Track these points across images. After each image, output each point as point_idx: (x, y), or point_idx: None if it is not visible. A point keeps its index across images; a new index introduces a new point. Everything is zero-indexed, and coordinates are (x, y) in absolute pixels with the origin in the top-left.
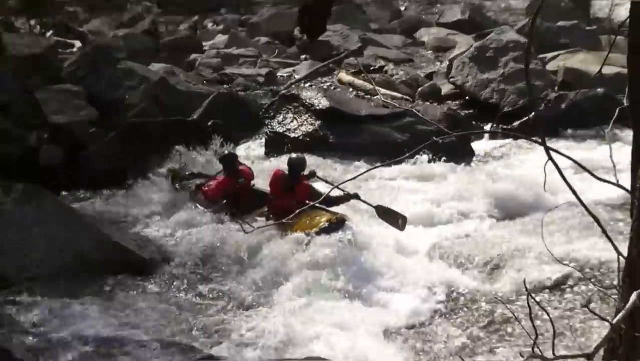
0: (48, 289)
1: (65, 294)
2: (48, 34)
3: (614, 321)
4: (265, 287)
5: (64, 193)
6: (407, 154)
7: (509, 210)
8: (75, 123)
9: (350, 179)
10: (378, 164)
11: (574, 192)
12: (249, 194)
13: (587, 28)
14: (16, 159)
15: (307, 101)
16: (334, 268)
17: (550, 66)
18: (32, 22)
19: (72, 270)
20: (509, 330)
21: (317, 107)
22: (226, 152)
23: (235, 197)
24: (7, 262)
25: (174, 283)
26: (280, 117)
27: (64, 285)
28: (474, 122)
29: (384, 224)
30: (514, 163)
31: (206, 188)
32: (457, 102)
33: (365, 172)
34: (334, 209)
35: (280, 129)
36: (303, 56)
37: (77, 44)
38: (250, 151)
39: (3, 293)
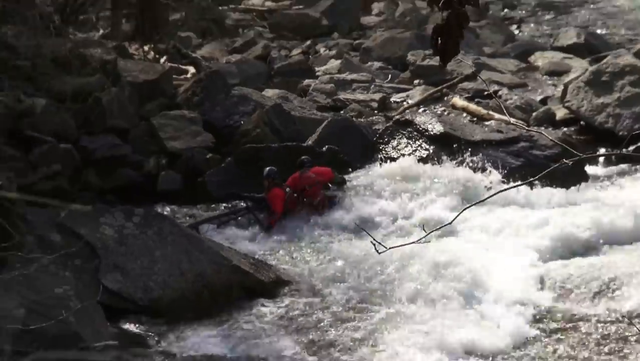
0: (171, 310)
1: (187, 315)
2: (162, 60)
3: None
4: (395, 308)
5: (182, 217)
6: (530, 179)
7: (619, 236)
8: (192, 149)
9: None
10: (498, 189)
11: None
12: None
13: None
14: (136, 185)
15: (421, 125)
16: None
17: None
18: (146, 47)
19: (194, 292)
20: (621, 352)
21: (432, 132)
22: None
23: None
24: (131, 284)
25: (293, 305)
26: (395, 143)
27: (186, 307)
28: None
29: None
30: (628, 188)
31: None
32: (572, 127)
33: (483, 200)
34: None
35: (394, 155)
36: (416, 81)
37: (191, 69)
38: (364, 178)
39: (130, 314)
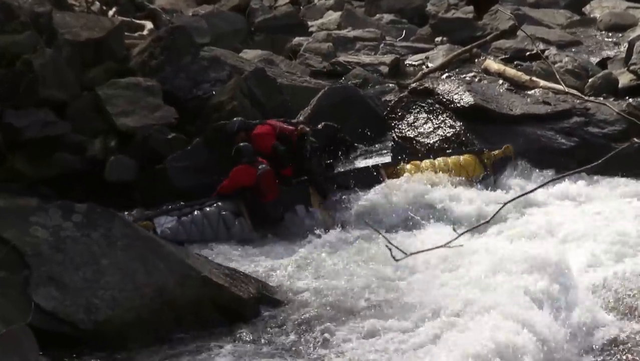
0: (122, 336)
1: (143, 342)
2: (111, 12)
3: None
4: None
5: (137, 215)
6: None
7: None
8: (149, 127)
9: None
10: (546, 178)
11: None
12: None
13: None
14: (76, 173)
15: (445, 96)
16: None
17: None
18: None
19: (152, 311)
20: None
21: (459, 105)
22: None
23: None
24: (71, 302)
25: (279, 329)
26: (411, 118)
27: (142, 331)
28: None
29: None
30: None
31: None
32: (639, 97)
33: (526, 193)
34: None
35: (410, 133)
36: (438, 39)
37: (148, 25)
38: (372, 162)
39: (68, 340)
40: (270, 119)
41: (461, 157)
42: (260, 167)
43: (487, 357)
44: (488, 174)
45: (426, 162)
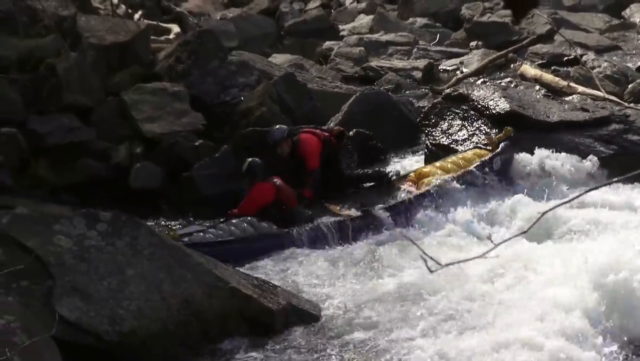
0: (147, 348)
1: (170, 353)
2: (137, 15)
3: None
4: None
5: (163, 224)
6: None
7: None
8: (176, 134)
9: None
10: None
11: None
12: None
13: None
14: (101, 180)
15: (480, 102)
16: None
17: None
18: (116, 0)
19: (178, 323)
20: None
21: (494, 111)
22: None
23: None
24: (95, 314)
25: (309, 342)
26: (445, 125)
27: (167, 343)
28: None
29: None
30: None
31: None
32: None
33: (564, 202)
34: None
35: (445, 140)
36: (473, 43)
37: (175, 28)
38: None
39: (93, 352)
40: (304, 126)
41: (467, 153)
42: (275, 181)
43: None
44: (495, 155)
45: (431, 168)
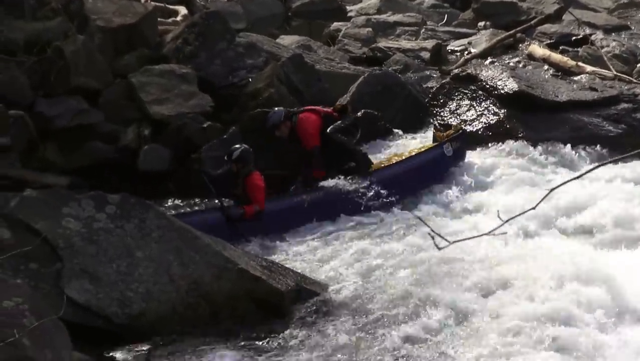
0: (156, 330)
1: (178, 336)
2: None
3: None
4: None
5: (171, 205)
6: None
7: None
8: (184, 115)
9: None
10: (593, 164)
11: None
12: None
13: None
14: (109, 163)
15: (489, 82)
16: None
17: None
18: None
19: (187, 305)
20: None
21: (502, 91)
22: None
23: None
24: (105, 296)
25: (319, 324)
26: (453, 105)
27: (176, 325)
28: None
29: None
30: None
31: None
32: None
33: (572, 179)
34: None
35: (453, 120)
36: (481, 23)
37: (182, 10)
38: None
39: (102, 335)
40: (307, 106)
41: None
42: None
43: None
44: (445, 142)
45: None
